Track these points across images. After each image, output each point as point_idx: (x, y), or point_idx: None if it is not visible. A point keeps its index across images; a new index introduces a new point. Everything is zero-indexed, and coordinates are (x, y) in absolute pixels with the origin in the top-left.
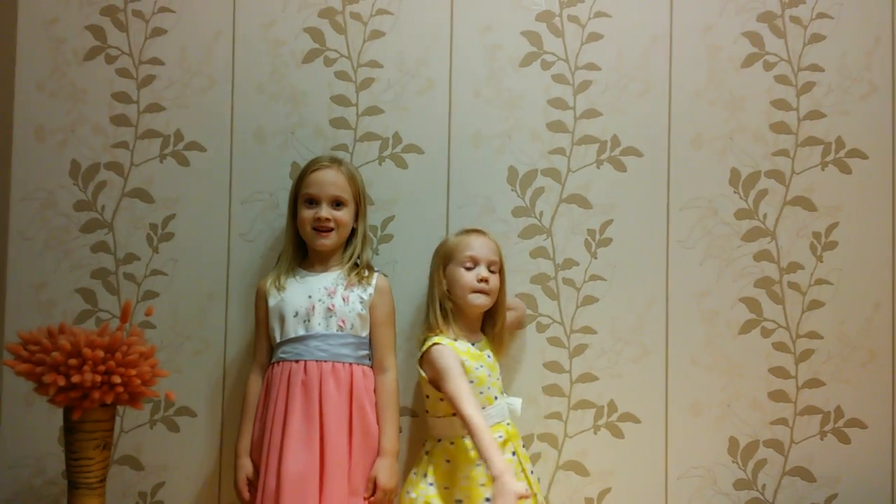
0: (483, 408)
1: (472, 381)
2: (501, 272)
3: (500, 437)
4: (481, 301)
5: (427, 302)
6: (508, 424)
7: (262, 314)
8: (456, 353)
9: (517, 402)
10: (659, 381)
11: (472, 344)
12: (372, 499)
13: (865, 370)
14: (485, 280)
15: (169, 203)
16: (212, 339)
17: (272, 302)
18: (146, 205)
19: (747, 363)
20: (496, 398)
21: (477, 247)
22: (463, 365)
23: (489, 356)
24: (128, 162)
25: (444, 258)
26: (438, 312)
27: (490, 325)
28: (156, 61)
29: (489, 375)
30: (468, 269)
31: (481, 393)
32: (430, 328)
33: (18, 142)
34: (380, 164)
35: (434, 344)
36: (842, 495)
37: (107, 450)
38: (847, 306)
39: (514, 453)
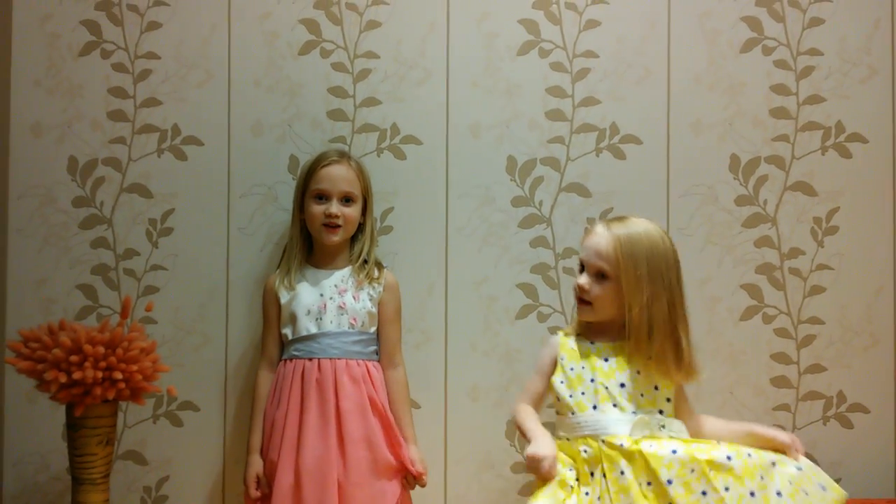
0: (573, 412)
1: (561, 381)
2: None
3: (586, 451)
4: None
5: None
6: (603, 442)
7: (272, 312)
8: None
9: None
10: None
11: (592, 343)
12: (412, 483)
13: (867, 355)
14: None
15: (168, 198)
16: (213, 334)
17: (284, 300)
18: (145, 200)
19: (749, 349)
20: (594, 407)
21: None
22: (559, 361)
23: (609, 361)
24: (126, 157)
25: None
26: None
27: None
28: (151, 55)
29: (592, 381)
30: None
31: (570, 396)
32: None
33: (15, 139)
34: (378, 155)
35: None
36: (845, 479)
37: (110, 445)
38: (848, 291)
39: (603, 475)
